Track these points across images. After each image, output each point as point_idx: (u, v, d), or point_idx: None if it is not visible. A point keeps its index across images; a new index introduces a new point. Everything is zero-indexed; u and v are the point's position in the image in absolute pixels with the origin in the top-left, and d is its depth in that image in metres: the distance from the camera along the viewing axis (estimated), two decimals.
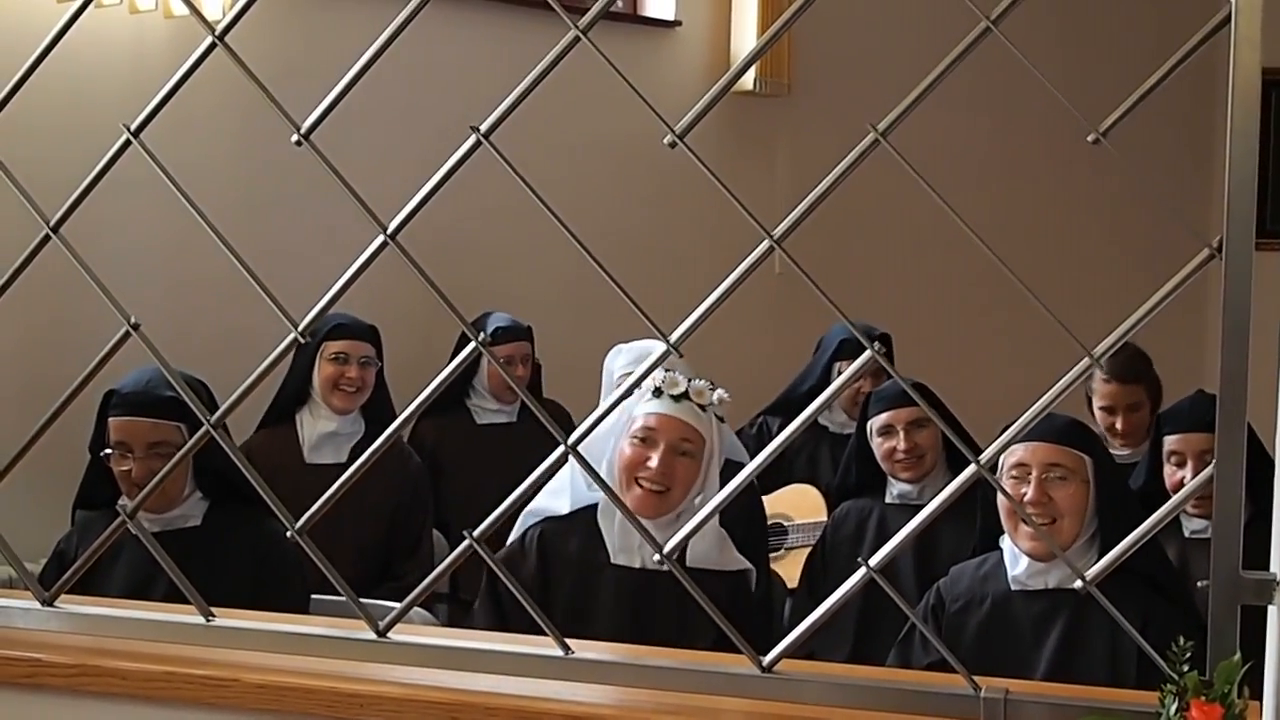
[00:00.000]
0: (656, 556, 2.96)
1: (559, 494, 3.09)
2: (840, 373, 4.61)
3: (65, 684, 2.06)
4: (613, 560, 3.00)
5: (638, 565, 2.99)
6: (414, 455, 4.21)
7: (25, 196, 2.14)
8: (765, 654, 1.87)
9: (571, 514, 3.06)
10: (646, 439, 2.99)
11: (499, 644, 2.03)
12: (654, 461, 2.96)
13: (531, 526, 3.08)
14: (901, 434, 3.74)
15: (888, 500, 3.84)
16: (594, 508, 3.05)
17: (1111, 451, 3.55)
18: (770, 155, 6.26)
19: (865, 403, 3.88)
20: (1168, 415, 3.57)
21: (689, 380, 3.03)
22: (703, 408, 3.02)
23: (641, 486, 2.96)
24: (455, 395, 4.71)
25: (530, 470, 1.95)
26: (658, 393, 3.02)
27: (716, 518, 3.01)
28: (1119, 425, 4.25)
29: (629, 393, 2.01)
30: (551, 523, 3.05)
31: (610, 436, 3.04)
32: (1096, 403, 4.31)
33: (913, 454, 3.75)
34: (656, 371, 3.02)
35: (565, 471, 3.06)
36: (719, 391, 3.08)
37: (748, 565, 3.05)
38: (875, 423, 3.80)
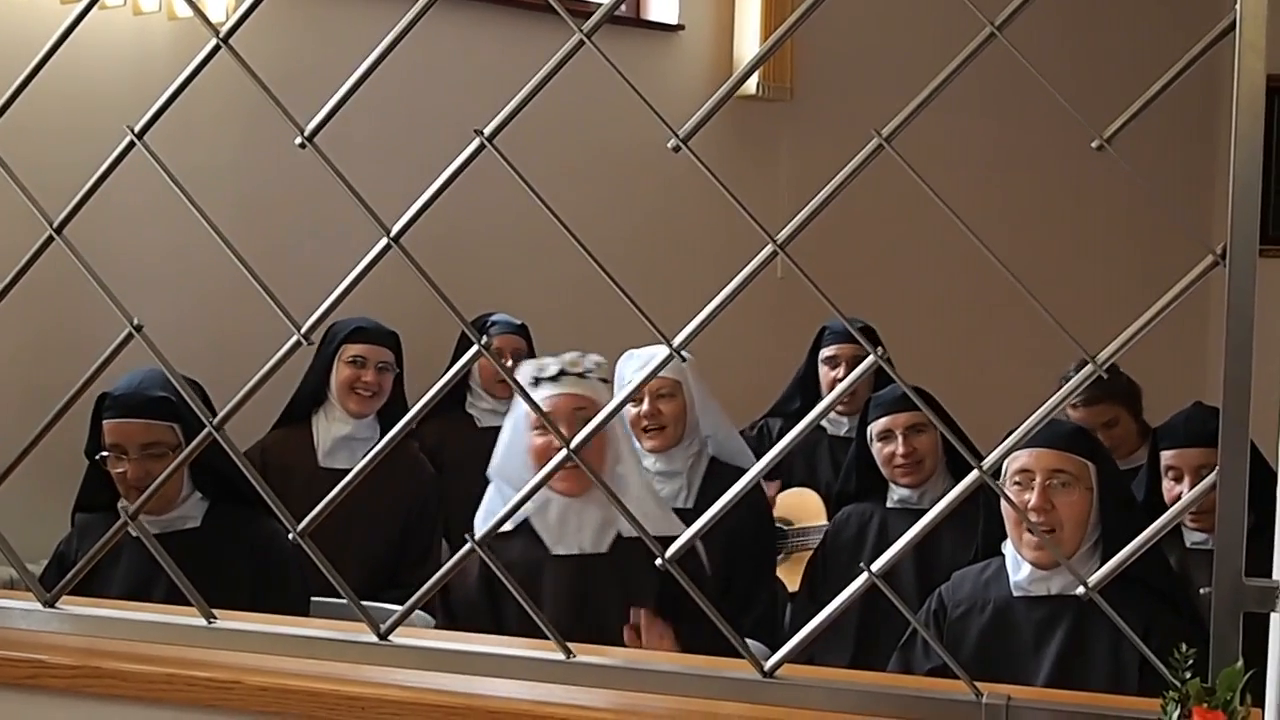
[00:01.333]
0: (590, 547, 2.99)
1: (482, 522, 3.13)
2: (824, 360, 4.66)
3: (66, 685, 2.06)
4: (554, 552, 3.05)
5: (577, 551, 3.05)
6: (428, 464, 4.20)
7: (28, 197, 2.14)
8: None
9: (513, 529, 3.10)
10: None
11: (500, 647, 2.03)
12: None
13: None
14: (900, 439, 3.74)
15: (889, 505, 3.84)
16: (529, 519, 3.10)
17: None
18: (773, 159, 6.26)
19: (865, 408, 3.89)
20: (1164, 430, 3.57)
21: (557, 357, 3.10)
22: (582, 375, 3.07)
23: (563, 469, 3.00)
24: (455, 397, 4.71)
25: None
26: (535, 382, 3.09)
27: (638, 480, 3.05)
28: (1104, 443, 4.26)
29: (625, 401, 2.02)
30: (496, 538, 3.07)
31: (514, 449, 3.13)
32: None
33: (911, 459, 3.75)
34: (525, 365, 3.07)
35: (494, 497, 3.16)
36: (590, 357, 3.15)
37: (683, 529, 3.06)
38: (874, 428, 3.80)
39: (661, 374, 3.81)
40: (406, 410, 4.15)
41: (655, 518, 3.04)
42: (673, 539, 2.97)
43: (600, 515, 3.04)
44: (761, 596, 3.81)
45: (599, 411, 3.02)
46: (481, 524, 3.16)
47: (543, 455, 3.03)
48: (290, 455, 4.04)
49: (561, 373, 3.09)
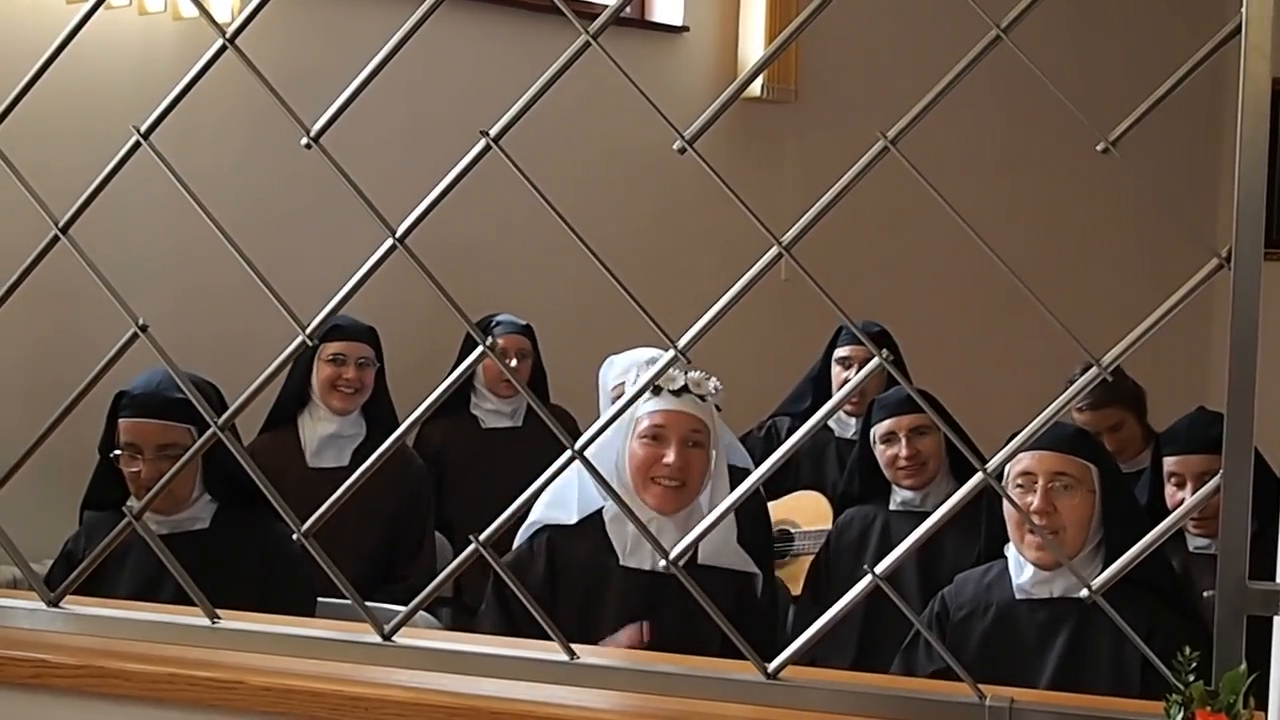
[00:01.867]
0: (663, 562, 2.99)
1: (560, 505, 3.09)
2: (838, 360, 4.66)
3: (70, 685, 2.06)
4: (622, 563, 3.00)
5: (648, 567, 2.99)
6: (416, 457, 4.22)
7: (34, 197, 2.14)
8: (769, 659, 1.87)
9: (579, 522, 3.06)
10: (658, 436, 3.00)
11: (504, 648, 2.03)
12: (670, 457, 2.97)
13: (539, 532, 3.07)
14: (904, 440, 3.75)
15: (891, 508, 3.84)
16: (599, 514, 3.05)
17: None
18: (777, 161, 6.26)
19: (869, 410, 3.89)
20: (1167, 435, 3.57)
21: (685, 373, 3.05)
22: (701, 398, 3.04)
23: (660, 484, 2.97)
24: (459, 398, 4.71)
25: (536, 475, 1.95)
26: (657, 390, 3.02)
27: (732, 516, 3.03)
28: (1108, 447, 4.27)
29: (637, 397, 2.02)
30: (559, 530, 3.05)
31: (608, 446, 3.03)
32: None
33: (915, 461, 3.75)
34: (650, 367, 3.04)
35: (568, 482, 3.07)
36: (713, 380, 3.11)
37: (755, 569, 3.06)
38: (878, 429, 3.80)
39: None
40: (390, 405, 4.23)
41: (726, 553, 3.01)
42: (743, 574, 3.00)
43: (678, 537, 2.95)
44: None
45: (709, 438, 3.03)
46: (549, 506, 3.10)
47: (645, 465, 2.98)
48: (279, 458, 4.04)
49: (684, 389, 3.03)
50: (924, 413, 3.65)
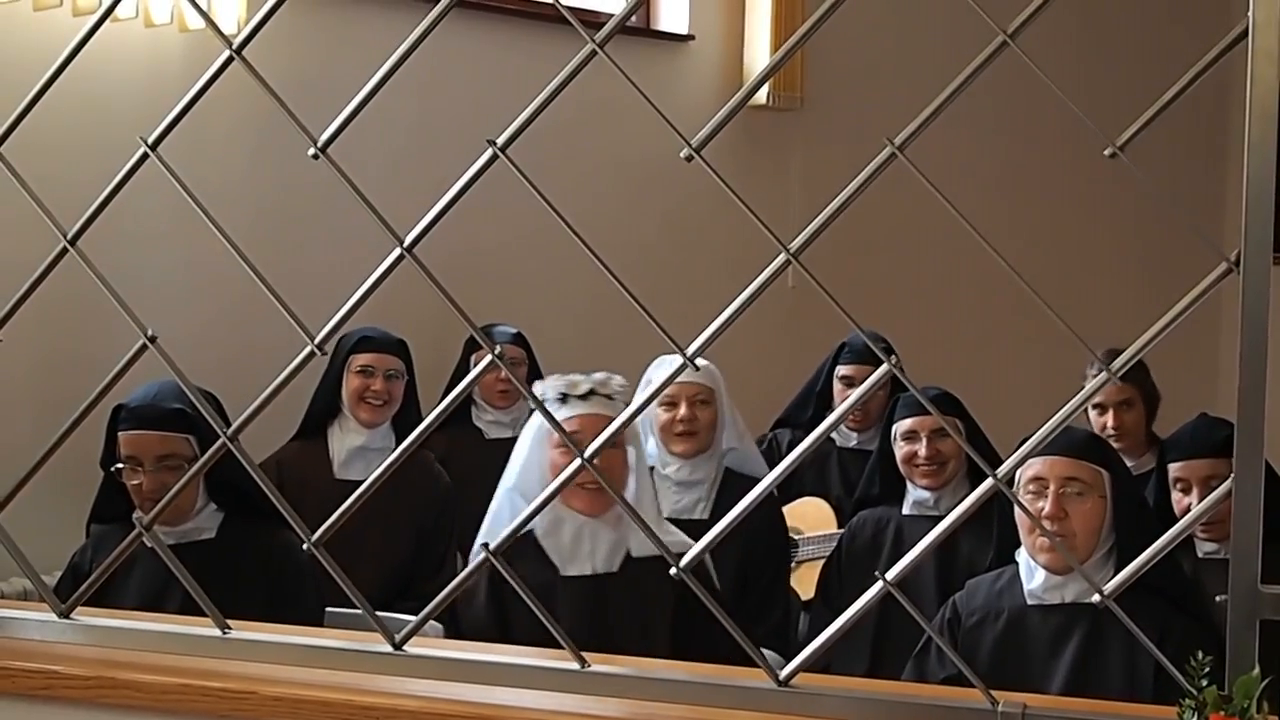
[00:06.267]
0: (602, 567, 2.96)
1: (493, 534, 3.12)
2: (840, 379, 4.65)
3: (81, 696, 2.06)
4: (564, 573, 3.02)
5: (589, 572, 3.02)
6: (443, 475, 4.18)
7: (42, 208, 2.14)
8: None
9: (518, 551, 3.06)
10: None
11: (514, 657, 2.04)
12: None
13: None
14: (924, 440, 3.73)
15: (905, 511, 3.82)
16: (531, 533, 3.05)
17: None
18: (783, 168, 6.26)
19: (892, 408, 3.87)
20: (1171, 442, 3.58)
21: (588, 376, 3.08)
22: (610, 398, 3.06)
23: (584, 487, 2.98)
24: (461, 409, 4.69)
25: None
26: (564, 398, 3.06)
27: (650, 505, 3.04)
28: (1110, 423, 4.32)
29: (644, 406, 2.02)
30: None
31: (531, 464, 3.10)
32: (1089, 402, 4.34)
33: (934, 461, 3.73)
34: (553, 379, 3.06)
35: (500, 508, 3.13)
36: (617, 379, 3.15)
37: (691, 543, 3.05)
38: (900, 427, 3.79)
39: (697, 381, 3.85)
40: (421, 417, 4.19)
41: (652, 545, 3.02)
42: (680, 555, 3.00)
43: (613, 535, 3.03)
44: (776, 606, 3.80)
45: (624, 437, 3.04)
46: (486, 537, 3.13)
47: None
48: (306, 468, 4.04)
49: (591, 392, 3.06)
50: (949, 414, 3.67)
